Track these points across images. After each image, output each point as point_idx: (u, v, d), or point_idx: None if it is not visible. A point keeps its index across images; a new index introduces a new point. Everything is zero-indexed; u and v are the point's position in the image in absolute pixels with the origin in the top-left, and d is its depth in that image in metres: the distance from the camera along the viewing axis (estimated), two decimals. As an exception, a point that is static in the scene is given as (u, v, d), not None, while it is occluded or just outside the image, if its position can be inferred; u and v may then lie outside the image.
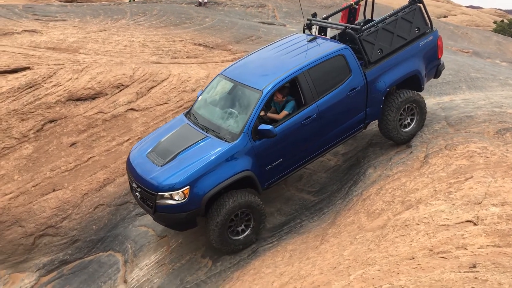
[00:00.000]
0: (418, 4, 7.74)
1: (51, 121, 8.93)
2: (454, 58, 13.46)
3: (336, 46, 7.23)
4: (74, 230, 8.01)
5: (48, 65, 9.90)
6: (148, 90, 9.87)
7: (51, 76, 9.51)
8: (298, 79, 6.82)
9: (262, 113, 6.88)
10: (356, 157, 8.12)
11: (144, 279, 7.08)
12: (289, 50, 7.36)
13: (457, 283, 3.30)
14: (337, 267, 4.53)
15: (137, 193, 6.89)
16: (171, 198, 6.31)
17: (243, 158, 6.49)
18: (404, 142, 7.74)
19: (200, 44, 12.97)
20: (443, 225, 4.42)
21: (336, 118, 7.12)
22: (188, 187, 6.23)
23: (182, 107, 9.65)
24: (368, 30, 7.36)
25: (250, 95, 6.79)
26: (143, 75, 10.12)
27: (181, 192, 6.25)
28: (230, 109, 7.03)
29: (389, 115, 7.50)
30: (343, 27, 7.54)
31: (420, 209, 5.06)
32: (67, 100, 9.20)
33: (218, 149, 6.44)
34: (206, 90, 7.67)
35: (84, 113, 9.16)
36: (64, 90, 9.27)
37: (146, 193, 6.61)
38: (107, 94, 9.55)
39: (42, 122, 8.85)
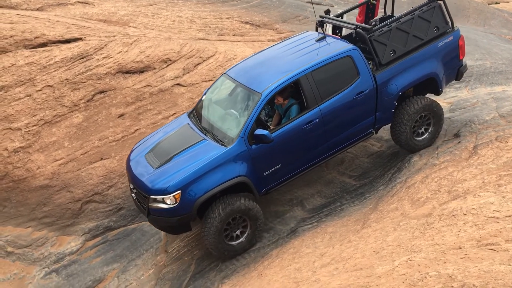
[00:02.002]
0: (438, 1, 7.23)
1: (101, 92, 9.19)
2: (508, 47, 12.94)
3: (343, 47, 6.82)
4: (119, 198, 8.29)
5: (100, 37, 10.14)
6: (194, 66, 9.98)
7: (102, 48, 9.73)
8: (300, 82, 6.50)
9: (272, 127, 6.65)
10: (401, 144, 7.98)
11: (184, 250, 7.29)
12: (296, 50, 7.04)
13: (507, 275, 3.26)
14: (380, 251, 4.54)
15: (133, 194, 6.84)
16: (163, 201, 6.21)
17: (238, 163, 6.29)
18: (415, 151, 7.37)
19: (246, 22, 12.95)
20: (493, 217, 4.35)
21: (341, 123, 6.80)
22: (179, 191, 6.10)
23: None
24: (380, 30, 6.93)
25: (250, 97, 6.55)
26: (190, 51, 10.21)
27: (172, 197, 6.12)
28: (230, 110, 6.82)
29: (402, 122, 7.11)
30: (353, 27, 7.10)
31: (468, 200, 4.99)
32: (116, 72, 9.42)
33: (213, 153, 6.26)
34: (211, 90, 7.45)
35: (133, 85, 9.36)
36: (114, 62, 9.49)
37: (140, 195, 6.56)
38: (155, 68, 9.71)
39: (93, 93, 9.11)
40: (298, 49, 7.03)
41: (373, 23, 7.07)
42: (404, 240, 4.60)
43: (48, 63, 9.22)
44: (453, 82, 9.55)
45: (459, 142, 7.03)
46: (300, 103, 6.70)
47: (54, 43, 9.69)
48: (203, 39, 11.29)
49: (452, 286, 3.28)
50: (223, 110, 7.00)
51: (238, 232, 6.62)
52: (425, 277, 3.52)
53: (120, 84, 9.35)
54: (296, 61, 6.74)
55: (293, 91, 6.78)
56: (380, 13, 8.51)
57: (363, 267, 4.27)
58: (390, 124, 7.37)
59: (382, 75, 6.92)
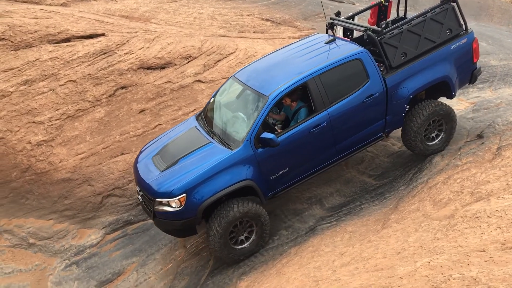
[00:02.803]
0: (452, 3, 7.05)
1: (122, 87, 9.28)
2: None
3: (353, 49, 6.73)
4: (139, 193, 8.37)
5: (122, 33, 10.23)
6: (215, 63, 10.01)
7: (124, 44, 9.82)
8: (308, 85, 6.42)
9: (279, 131, 6.53)
10: (422, 144, 7.89)
11: (203, 246, 7.33)
12: (305, 53, 6.96)
13: (533, 280, 3.21)
14: (401, 252, 4.50)
15: (139, 197, 6.85)
16: (168, 204, 6.20)
17: (244, 166, 6.25)
18: (426, 155, 7.28)
19: (267, 19, 12.94)
20: (518, 220, 4.28)
21: (350, 127, 6.72)
22: (184, 195, 6.08)
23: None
24: (391, 32, 6.80)
25: (257, 100, 6.50)
26: (211, 47, 10.25)
27: (177, 200, 6.12)
28: (238, 113, 6.77)
29: (413, 126, 6.99)
30: (363, 29, 6.98)
31: (491, 202, 4.91)
32: (138, 68, 9.50)
33: (219, 156, 6.23)
34: (219, 92, 7.40)
35: (154, 81, 9.43)
36: (136, 58, 9.57)
37: (146, 198, 6.57)
38: (175, 65, 9.77)
39: (114, 88, 9.21)
40: (307, 52, 6.97)
41: (383, 25, 6.93)
42: (426, 241, 4.55)
43: (71, 58, 9.34)
44: (477, 82, 9.43)
45: (482, 143, 6.92)
46: (309, 106, 6.64)
47: (77, 38, 9.82)
48: (223, 36, 11.32)
49: (476, 289, 3.24)
50: (230, 113, 6.96)
51: (244, 236, 6.57)
52: (449, 279, 3.48)
53: (142, 79, 9.43)
54: (304, 63, 6.67)
55: (302, 93, 6.72)
56: (392, 14, 8.37)
57: (384, 268, 4.24)
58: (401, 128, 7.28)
59: (392, 78, 6.82)
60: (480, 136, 7.27)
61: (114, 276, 7.52)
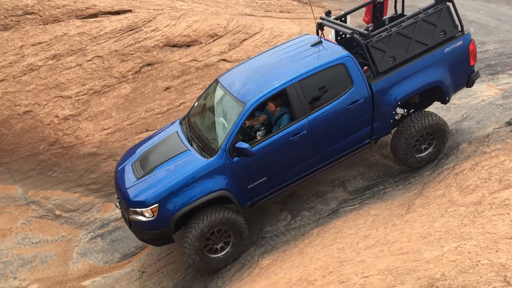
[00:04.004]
0: (447, 3, 6.63)
1: (148, 65, 9.33)
2: None
3: (336, 54, 6.41)
4: (162, 169, 8.47)
5: (148, 9, 10.23)
6: (240, 42, 9.96)
7: (151, 20, 9.83)
8: (287, 92, 6.18)
9: (258, 139, 6.35)
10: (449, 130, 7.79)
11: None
12: (289, 56, 6.69)
13: None
14: (427, 237, 4.49)
15: (117, 203, 6.81)
16: (142, 214, 6.12)
17: (219, 176, 6.10)
18: (414, 167, 7.05)
19: (293, -1, 12.78)
20: (548, 209, 4.22)
21: (333, 134, 6.47)
22: (156, 205, 5.99)
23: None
24: (379, 35, 6.42)
25: (235, 106, 6.29)
26: (237, 26, 10.19)
27: (149, 210, 6.03)
28: (219, 119, 6.61)
29: (402, 137, 6.72)
30: (350, 31, 6.58)
31: (521, 190, 4.85)
32: (164, 46, 9.52)
33: (193, 165, 6.10)
34: (203, 96, 7.24)
35: (179, 59, 9.46)
36: (162, 36, 9.58)
37: (122, 205, 6.51)
38: (201, 43, 9.76)
39: (140, 65, 9.26)
40: (292, 55, 6.69)
41: (370, 28, 6.52)
42: (453, 227, 4.53)
43: (98, 34, 9.40)
44: (507, 68, 9.22)
45: (512, 130, 6.80)
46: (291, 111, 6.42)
47: (105, 14, 9.85)
48: (249, 15, 11.24)
49: (506, 276, 3.22)
50: (211, 119, 6.80)
51: (219, 245, 6.44)
52: (477, 265, 3.47)
53: (167, 57, 9.45)
54: (287, 68, 6.41)
55: (286, 99, 6.43)
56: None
57: (409, 251, 4.24)
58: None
59: (379, 84, 6.48)
60: (509, 123, 7.13)
61: (138, 250, 7.68)
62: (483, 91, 8.59)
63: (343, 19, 7.45)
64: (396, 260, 3.99)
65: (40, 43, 9.17)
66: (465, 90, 8.73)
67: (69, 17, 9.63)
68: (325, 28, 7.24)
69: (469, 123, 7.76)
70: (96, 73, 9.07)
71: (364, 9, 7.65)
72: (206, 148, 6.32)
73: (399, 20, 6.63)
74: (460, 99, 8.59)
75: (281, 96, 6.42)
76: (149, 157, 6.68)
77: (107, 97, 8.99)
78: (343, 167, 7.73)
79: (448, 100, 7.06)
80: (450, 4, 6.66)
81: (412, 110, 7.09)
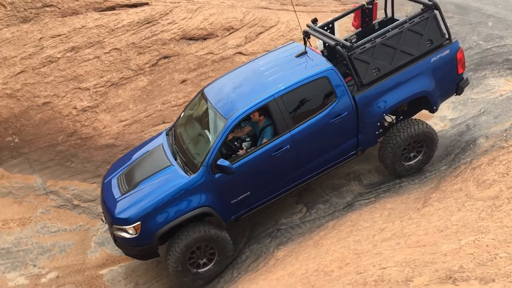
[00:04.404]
0: (433, 11, 6.46)
1: (165, 57, 9.39)
2: None
3: (319, 66, 6.30)
4: (179, 161, 8.57)
5: (165, 2, 10.29)
6: (256, 35, 9.98)
7: (167, 13, 9.89)
8: (269, 107, 6.10)
9: (243, 152, 6.29)
10: (466, 124, 7.77)
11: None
12: (273, 67, 6.60)
13: None
14: (444, 230, 4.51)
15: (103, 218, 6.81)
16: (125, 231, 6.14)
17: (201, 193, 6.09)
18: (401, 175, 7.00)
19: (309, -8, 12.72)
20: None
21: (317, 148, 6.41)
22: (139, 222, 6.00)
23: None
24: (363, 47, 6.27)
25: (217, 121, 6.24)
26: (253, 19, 10.21)
27: (132, 227, 6.05)
28: (202, 131, 6.58)
29: (388, 147, 6.67)
30: (334, 43, 6.44)
31: (539, 185, 4.83)
32: (180, 38, 9.58)
33: (176, 182, 6.08)
34: (189, 106, 7.15)
35: (196, 52, 9.51)
36: (179, 29, 9.64)
37: (107, 220, 6.52)
38: (217, 36, 9.80)
39: (157, 57, 9.34)
40: (275, 66, 6.61)
41: (353, 40, 6.33)
42: (470, 221, 4.53)
43: (116, 27, 9.48)
44: (526, 61, 9.11)
45: (530, 125, 6.76)
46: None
47: (122, 7, 9.93)
48: (265, 8, 11.23)
49: (525, 269, 3.23)
50: (196, 131, 6.77)
51: (204, 260, 6.44)
52: (495, 258, 3.48)
53: (184, 50, 9.51)
54: (269, 82, 6.32)
55: (268, 113, 6.34)
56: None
57: (426, 244, 4.26)
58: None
59: (363, 96, 6.39)
60: (527, 119, 7.09)
61: (154, 240, 7.77)
62: (500, 86, 8.52)
63: (330, 25, 7.29)
64: (413, 252, 4.02)
65: (59, 35, 9.29)
66: (482, 84, 8.71)
67: (87, 9, 9.73)
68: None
69: (486, 117, 7.71)
70: (114, 65, 9.17)
71: (353, 14, 7.51)
72: (189, 164, 6.28)
73: (384, 30, 6.47)
74: (478, 93, 8.54)
75: (263, 109, 6.30)
76: (134, 171, 6.65)
77: (124, 89, 9.09)
78: (358, 161, 7.74)
79: (436, 110, 6.95)
80: (436, 12, 6.50)
81: (401, 118, 6.99)
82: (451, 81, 6.90)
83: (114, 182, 6.72)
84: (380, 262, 3.92)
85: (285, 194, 6.65)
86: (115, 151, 8.69)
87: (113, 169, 7.11)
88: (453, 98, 8.42)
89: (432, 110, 6.97)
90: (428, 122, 8.13)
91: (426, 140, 6.82)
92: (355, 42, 6.33)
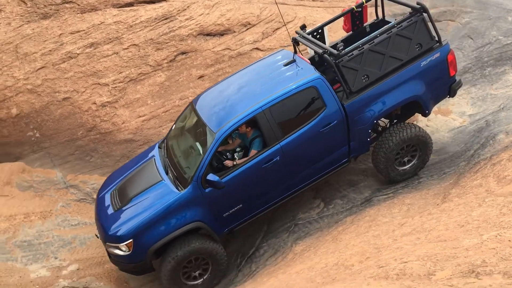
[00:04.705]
0: (421, 14, 6.39)
1: (182, 53, 9.46)
2: None
3: (307, 76, 6.24)
4: (196, 156, 8.64)
5: (182, -2, 10.35)
6: (273, 31, 9.99)
7: (185, 9, 9.94)
8: (257, 119, 6.08)
9: (230, 164, 6.26)
10: (485, 120, 7.71)
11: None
12: (261, 77, 6.59)
13: None
14: (465, 225, 4.50)
15: (97, 234, 6.79)
16: (118, 248, 6.17)
17: (193, 208, 6.08)
18: (395, 181, 6.90)
19: (326, -12, 12.68)
20: None
21: (308, 158, 6.38)
22: (131, 240, 6.03)
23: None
24: (350, 54, 6.20)
25: (206, 134, 6.22)
26: (270, 15, 10.21)
27: (125, 245, 6.08)
28: (193, 144, 6.57)
29: (381, 152, 6.60)
30: (321, 51, 6.40)
31: (562, 181, 4.79)
32: (198, 34, 9.63)
33: (167, 198, 6.10)
34: (180, 118, 7.14)
35: (213, 48, 9.55)
36: (196, 25, 9.69)
37: (101, 237, 6.54)
38: (234, 32, 9.83)
39: (175, 53, 9.40)
40: (263, 76, 6.59)
41: (340, 47, 6.24)
42: (491, 216, 4.52)
43: (134, 23, 9.57)
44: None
45: (552, 121, 6.69)
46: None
47: (140, 3, 10.01)
48: (282, 4, 11.21)
49: (549, 264, 3.23)
50: (187, 144, 6.76)
51: (198, 272, 6.42)
52: (518, 253, 3.48)
53: (201, 46, 9.56)
54: (257, 93, 6.31)
55: (257, 125, 6.32)
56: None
57: (447, 239, 4.26)
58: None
59: (352, 104, 6.33)
60: (549, 114, 7.02)
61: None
62: (522, 81, 8.45)
63: (320, 31, 7.24)
64: (434, 247, 4.02)
65: (78, 31, 9.40)
66: (502, 80, 8.63)
67: (105, 6, 9.82)
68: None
69: (506, 113, 7.65)
70: (132, 61, 9.26)
71: (342, 18, 7.47)
72: (180, 178, 6.28)
73: (371, 36, 6.40)
74: (497, 89, 8.46)
75: (252, 121, 6.27)
76: (126, 187, 6.67)
77: (142, 85, 9.18)
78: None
79: (428, 113, 6.89)
80: (425, 15, 6.43)
81: (395, 121, 6.93)
82: (443, 84, 6.82)
83: (107, 197, 6.75)
84: (401, 256, 3.94)
85: (278, 204, 6.64)
86: (133, 146, 8.79)
87: (107, 184, 7.12)
88: (473, 93, 8.40)
89: (425, 114, 6.92)
90: (447, 118, 8.12)
91: (420, 144, 6.73)
92: (343, 49, 6.25)
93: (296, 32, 7.11)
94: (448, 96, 7.09)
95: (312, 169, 6.51)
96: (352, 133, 6.48)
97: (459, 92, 8.48)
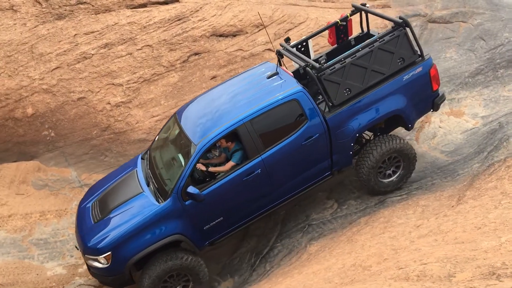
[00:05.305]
0: (404, 29, 6.42)
1: (195, 54, 9.54)
2: None
3: (289, 89, 6.24)
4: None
5: (195, -1, 10.42)
6: (285, 32, 10.03)
7: (198, 10, 10.02)
8: (238, 132, 6.07)
9: (203, 168, 6.24)
10: (498, 122, 7.72)
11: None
12: (243, 90, 6.57)
13: None
14: (482, 228, 4.54)
15: (77, 246, 6.72)
16: (97, 261, 6.14)
17: (172, 220, 6.05)
18: (379, 193, 6.89)
19: (337, -11, 12.71)
20: None
21: (289, 171, 6.37)
22: (109, 253, 5.99)
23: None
24: (332, 67, 6.22)
25: (188, 146, 6.20)
26: (282, 16, 10.27)
27: (103, 258, 6.04)
28: (175, 156, 6.54)
29: (366, 163, 6.58)
30: (303, 64, 6.41)
31: None
32: (211, 35, 9.70)
33: (146, 210, 6.06)
34: (164, 129, 7.15)
35: (225, 49, 9.63)
36: (209, 26, 9.76)
37: (80, 249, 6.49)
38: (247, 33, 9.90)
39: (188, 54, 9.48)
40: (246, 89, 6.58)
41: (322, 61, 6.26)
42: (508, 219, 4.55)
43: (147, 24, 9.66)
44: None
45: None
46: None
47: (153, 4, 10.10)
48: (294, 5, 11.27)
49: None
50: (169, 156, 6.74)
51: (180, 287, 6.36)
52: (538, 256, 3.52)
53: (214, 47, 9.64)
54: (239, 105, 6.31)
55: (238, 137, 6.30)
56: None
57: (465, 241, 4.30)
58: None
59: (334, 117, 6.34)
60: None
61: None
62: (533, 82, 8.46)
63: (304, 43, 7.28)
64: (453, 249, 4.07)
65: (93, 32, 9.50)
66: (515, 81, 8.62)
67: (119, 7, 9.92)
68: None
69: (519, 115, 7.67)
70: (146, 61, 9.35)
71: (327, 31, 7.51)
72: (161, 190, 6.26)
73: (354, 49, 6.43)
74: (510, 91, 8.47)
75: (233, 134, 6.25)
76: (107, 198, 6.65)
77: (156, 85, 9.26)
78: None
79: (411, 127, 6.91)
80: (407, 29, 6.46)
81: (378, 134, 6.93)
82: (426, 98, 6.84)
83: (88, 208, 6.72)
84: (421, 258, 3.98)
85: (258, 217, 6.61)
86: (147, 146, 8.83)
87: (89, 194, 7.09)
88: (485, 95, 8.42)
89: (407, 128, 6.93)
90: (460, 119, 8.15)
91: (403, 156, 6.73)
92: (325, 62, 6.28)
93: (280, 45, 7.15)
94: (432, 110, 7.09)
95: (294, 182, 6.51)
96: (335, 146, 6.50)
97: (471, 93, 8.59)
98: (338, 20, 7.32)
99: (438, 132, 8.04)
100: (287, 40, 7.18)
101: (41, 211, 8.17)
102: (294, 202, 7.31)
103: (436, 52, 9.53)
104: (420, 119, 8.06)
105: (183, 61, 9.46)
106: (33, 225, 7.90)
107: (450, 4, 10.40)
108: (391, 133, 7.04)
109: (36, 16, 9.52)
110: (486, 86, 8.65)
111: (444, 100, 7.15)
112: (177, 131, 6.75)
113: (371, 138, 6.98)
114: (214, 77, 9.43)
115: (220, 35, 9.81)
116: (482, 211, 5.04)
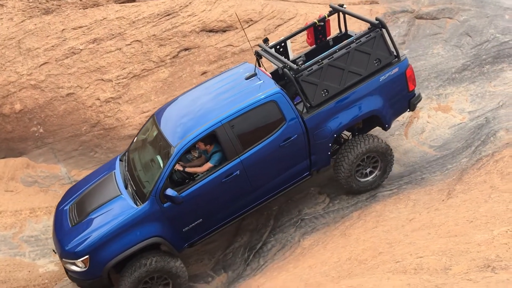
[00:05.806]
0: (380, 30, 6.49)
1: (185, 49, 9.51)
2: None
3: (267, 90, 6.28)
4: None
5: (184, -6, 10.38)
6: (275, 28, 10.07)
7: (187, 5, 9.98)
8: (216, 133, 6.09)
9: (180, 168, 6.27)
10: (485, 117, 7.90)
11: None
12: (222, 91, 6.59)
13: None
14: (473, 221, 4.67)
15: (54, 249, 6.65)
16: (75, 264, 6.09)
17: (151, 223, 6.04)
18: (358, 192, 7.01)
19: (325, -16, 12.77)
20: None
21: (268, 172, 6.42)
22: (87, 256, 5.95)
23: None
24: (310, 68, 6.27)
25: (166, 148, 6.19)
26: (272, 12, 10.29)
27: (81, 261, 6.00)
28: (153, 158, 6.52)
29: (343, 163, 6.68)
30: (281, 65, 6.50)
31: None
32: (200, 31, 9.68)
33: (124, 213, 6.04)
34: (142, 131, 7.12)
35: (216, 44, 9.62)
36: (199, 21, 9.74)
37: (57, 252, 6.44)
38: (237, 28, 9.89)
39: (178, 49, 9.45)
40: (225, 90, 6.60)
41: (300, 62, 6.29)
42: (499, 212, 4.69)
43: (136, 19, 9.59)
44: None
45: (551, 119, 6.89)
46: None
47: (142, -1, 10.04)
48: (283, 0, 11.31)
49: (560, 258, 3.39)
50: (147, 157, 6.73)
51: None
52: (530, 248, 3.64)
53: (204, 42, 9.62)
54: (217, 107, 6.32)
55: (216, 139, 6.31)
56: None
57: (458, 234, 4.42)
58: None
59: (312, 118, 6.41)
60: (547, 112, 7.22)
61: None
62: (521, 78, 8.64)
63: (283, 44, 7.34)
64: (447, 242, 4.18)
65: (81, 27, 9.40)
66: (500, 77, 8.82)
67: (107, 1, 9.83)
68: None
69: (505, 110, 7.83)
70: (135, 57, 9.29)
71: (305, 32, 7.57)
72: (139, 193, 6.24)
73: (331, 51, 6.50)
74: (496, 86, 8.65)
75: (210, 135, 6.23)
76: (85, 201, 6.61)
77: (146, 81, 9.22)
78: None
79: (388, 127, 7.02)
80: (383, 30, 6.55)
81: (356, 134, 7.03)
82: (402, 98, 6.94)
83: (66, 211, 6.68)
84: (416, 251, 4.09)
85: (241, 217, 6.68)
86: (138, 142, 8.85)
87: (67, 196, 7.03)
88: (472, 91, 8.59)
89: (384, 128, 7.03)
90: (447, 115, 8.30)
91: (380, 155, 6.85)
92: (302, 63, 6.32)
93: (259, 46, 7.18)
94: (408, 110, 7.20)
95: (273, 183, 6.56)
96: (313, 147, 6.57)
97: (458, 89, 8.75)
98: (316, 21, 7.36)
99: (426, 127, 8.18)
100: (266, 40, 7.23)
101: (31, 208, 8.09)
102: (287, 197, 7.39)
103: (423, 48, 9.67)
104: (409, 114, 8.22)
105: (173, 57, 9.43)
106: (23, 222, 7.83)
107: (437, 1, 10.55)
108: (369, 132, 7.14)
109: (23, 11, 9.38)
110: (472, 82, 8.82)
111: (420, 100, 7.25)
112: (155, 133, 6.72)
113: (349, 138, 7.07)
114: (204, 73, 9.43)
115: (210, 31, 9.80)
116: (472, 205, 5.17)
